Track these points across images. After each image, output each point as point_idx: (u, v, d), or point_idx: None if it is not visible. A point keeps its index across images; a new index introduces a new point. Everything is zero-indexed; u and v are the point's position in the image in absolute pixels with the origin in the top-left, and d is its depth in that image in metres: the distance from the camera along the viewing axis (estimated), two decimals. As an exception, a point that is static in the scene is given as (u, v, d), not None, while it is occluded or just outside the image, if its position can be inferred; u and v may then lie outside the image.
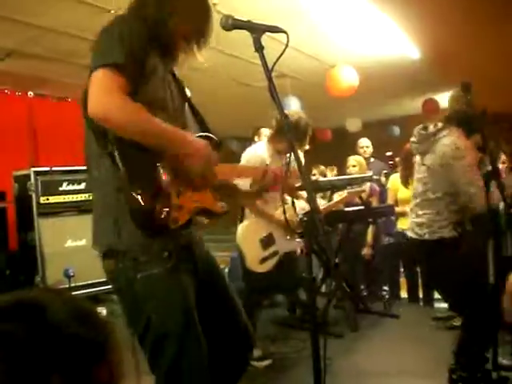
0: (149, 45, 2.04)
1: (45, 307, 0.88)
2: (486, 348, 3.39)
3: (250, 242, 4.07)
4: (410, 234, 3.77)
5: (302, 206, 5.45)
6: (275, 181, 2.44)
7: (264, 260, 4.05)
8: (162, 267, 2.06)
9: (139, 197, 1.89)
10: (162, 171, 1.98)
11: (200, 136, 2.29)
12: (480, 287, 3.30)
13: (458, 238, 3.52)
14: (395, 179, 6.42)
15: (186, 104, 2.41)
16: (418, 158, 3.76)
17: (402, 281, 6.82)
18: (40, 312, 0.87)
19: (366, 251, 6.41)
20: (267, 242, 4.11)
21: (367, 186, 6.13)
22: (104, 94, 1.88)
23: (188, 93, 2.44)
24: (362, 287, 6.69)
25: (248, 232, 4.10)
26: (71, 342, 0.86)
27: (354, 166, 6.45)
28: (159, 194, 1.95)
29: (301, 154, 5.66)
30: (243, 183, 2.74)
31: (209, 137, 2.33)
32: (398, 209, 6.16)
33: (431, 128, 3.66)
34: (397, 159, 7.00)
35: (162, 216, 1.95)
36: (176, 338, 2.06)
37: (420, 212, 3.65)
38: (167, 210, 1.96)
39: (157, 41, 2.12)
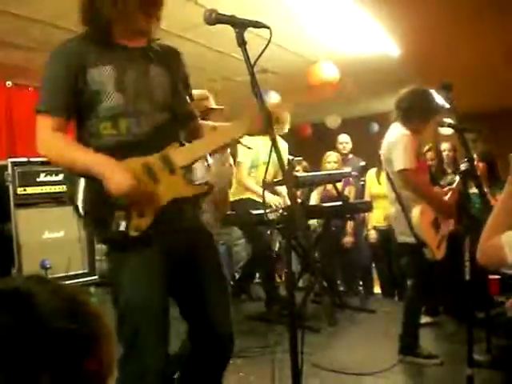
0: (81, 63, 2.18)
1: (32, 297, 0.86)
2: None
3: (428, 227, 3.95)
4: None
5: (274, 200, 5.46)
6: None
7: (439, 245, 3.98)
8: (127, 249, 2.18)
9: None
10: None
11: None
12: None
13: None
14: (370, 175, 6.51)
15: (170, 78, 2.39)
16: None
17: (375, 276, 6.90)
18: (28, 303, 0.85)
19: (347, 239, 6.44)
20: (436, 226, 4.01)
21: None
22: (38, 137, 2.22)
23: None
24: (339, 282, 6.74)
25: (423, 217, 3.92)
26: (61, 336, 0.84)
27: (335, 162, 6.47)
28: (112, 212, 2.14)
29: (284, 148, 5.70)
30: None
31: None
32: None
33: None
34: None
35: (119, 229, 2.13)
36: (130, 319, 2.15)
37: None
38: (123, 223, 2.13)
39: (102, 33, 2.22)
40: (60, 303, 0.89)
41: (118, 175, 2.08)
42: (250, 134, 2.42)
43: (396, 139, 3.95)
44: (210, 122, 2.76)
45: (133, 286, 2.16)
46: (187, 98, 2.49)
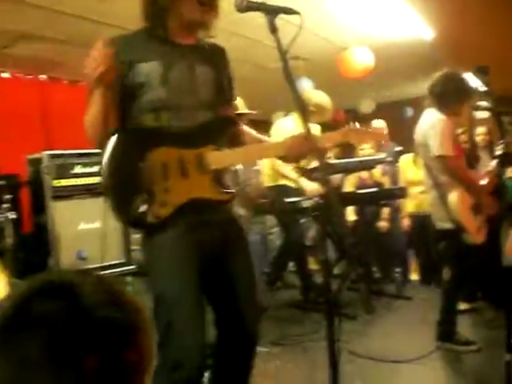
0: (132, 57, 2.22)
1: (77, 289, 0.88)
2: None
3: (466, 212, 3.90)
4: None
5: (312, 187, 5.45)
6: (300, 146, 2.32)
7: (479, 229, 3.93)
8: (163, 236, 2.19)
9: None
10: (142, 172, 2.16)
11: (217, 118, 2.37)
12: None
13: None
14: (405, 160, 6.41)
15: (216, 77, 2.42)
16: None
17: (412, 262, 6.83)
18: (74, 294, 0.87)
19: (382, 224, 6.37)
20: (476, 210, 3.95)
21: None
22: None
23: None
24: (375, 269, 6.69)
25: (461, 202, 3.89)
26: (104, 324, 0.86)
27: (369, 148, 6.39)
28: (137, 194, 2.16)
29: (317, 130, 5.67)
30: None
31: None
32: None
33: None
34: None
35: (138, 214, 2.15)
36: (164, 310, 2.15)
37: None
38: (145, 208, 2.14)
39: (158, 27, 2.28)
40: (103, 294, 0.91)
41: None
42: (285, 159, 2.44)
43: (432, 124, 3.89)
44: (256, 134, 2.75)
45: (166, 277, 2.18)
46: (231, 98, 2.52)
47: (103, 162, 2.19)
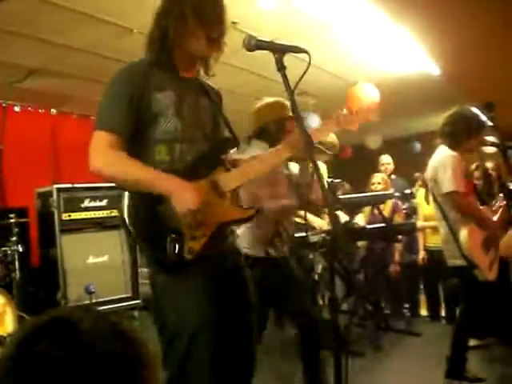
0: (146, 85, 2.22)
1: (77, 325, 0.89)
2: None
3: (477, 248, 3.87)
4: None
5: (320, 223, 5.46)
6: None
7: (490, 266, 3.89)
8: (179, 272, 2.18)
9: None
10: (161, 212, 2.14)
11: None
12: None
13: None
14: (420, 195, 6.42)
15: (218, 114, 2.47)
16: None
17: (421, 298, 6.77)
18: (73, 330, 0.88)
19: (393, 268, 6.33)
20: (488, 246, 3.92)
21: (391, 202, 6.13)
22: (95, 153, 2.16)
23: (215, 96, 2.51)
24: (384, 305, 6.64)
25: (472, 238, 3.85)
26: (104, 360, 0.86)
27: (379, 183, 6.40)
28: (165, 235, 2.13)
29: (323, 169, 5.69)
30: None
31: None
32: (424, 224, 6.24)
33: None
34: (416, 174, 6.99)
35: (174, 254, 2.12)
36: (187, 338, 2.11)
37: None
38: (177, 246, 2.12)
39: (166, 59, 2.30)
40: (104, 329, 0.91)
41: (187, 191, 2.11)
42: (290, 159, 2.45)
43: (444, 160, 3.89)
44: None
45: (184, 309, 2.16)
46: (228, 131, 2.52)
47: (125, 204, 2.18)
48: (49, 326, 0.89)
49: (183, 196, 2.10)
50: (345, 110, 2.44)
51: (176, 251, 2.11)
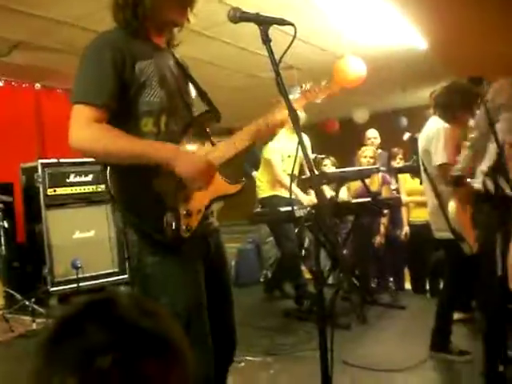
0: (128, 53, 2.10)
1: (113, 301, 0.90)
2: None
3: (466, 221, 3.81)
4: None
5: (307, 198, 5.49)
6: None
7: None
8: (174, 254, 2.13)
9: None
10: (157, 190, 2.08)
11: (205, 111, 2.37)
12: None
13: None
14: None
15: (189, 81, 2.42)
16: None
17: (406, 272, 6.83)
18: (110, 304, 0.90)
19: (378, 239, 6.36)
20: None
21: (380, 175, 6.15)
22: (77, 129, 2.03)
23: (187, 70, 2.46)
24: (369, 279, 6.68)
25: (461, 211, 3.83)
26: (129, 330, 0.86)
27: (371, 157, 6.33)
28: (162, 212, 2.07)
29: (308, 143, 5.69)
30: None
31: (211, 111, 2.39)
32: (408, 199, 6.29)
33: None
34: (394, 150, 6.98)
35: (172, 232, 2.06)
36: (184, 319, 2.07)
37: None
38: (174, 224, 2.07)
39: (141, 27, 2.19)
40: (135, 306, 0.91)
41: (190, 154, 2.11)
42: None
43: (437, 132, 3.89)
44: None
45: (176, 290, 2.14)
46: (207, 103, 2.45)
47: (110, 179, 2.09)
48: (88, 306, 0.91)
49: (189, 159, 2.06)
50: (323, 83, 2.39)
51: (174, 228, 2.06)
